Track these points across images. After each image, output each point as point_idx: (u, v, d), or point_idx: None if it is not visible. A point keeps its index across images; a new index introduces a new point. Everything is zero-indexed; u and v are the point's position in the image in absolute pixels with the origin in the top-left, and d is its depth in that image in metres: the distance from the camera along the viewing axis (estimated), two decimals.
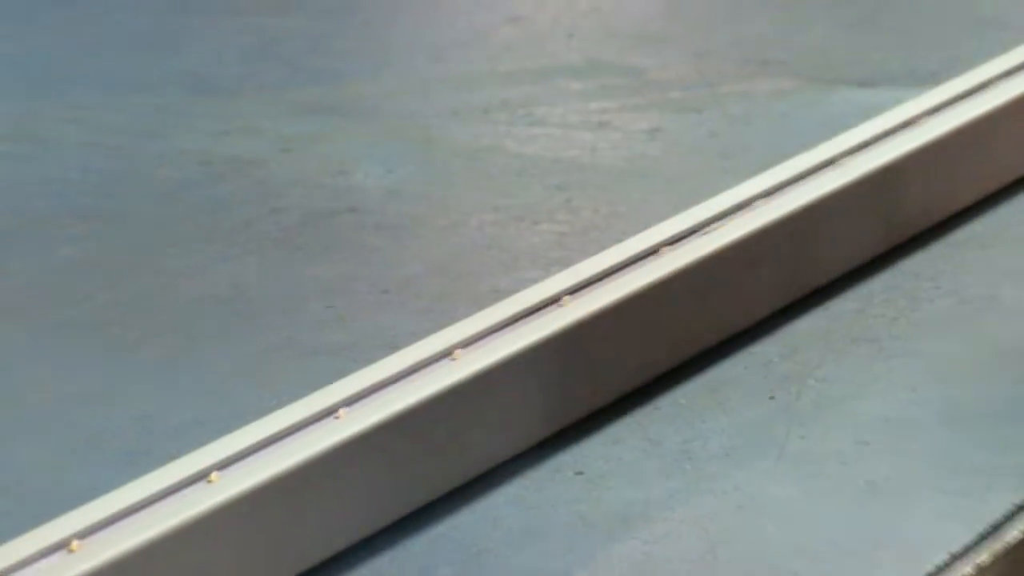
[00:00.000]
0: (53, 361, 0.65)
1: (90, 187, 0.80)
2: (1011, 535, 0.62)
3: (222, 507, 0.54)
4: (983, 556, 0.61)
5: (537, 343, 0.60)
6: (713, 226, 0.59)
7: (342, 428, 0.59)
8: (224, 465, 0.57)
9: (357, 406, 0.60)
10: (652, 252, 0.61)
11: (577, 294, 0.60)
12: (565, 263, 0.53)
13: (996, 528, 0.60)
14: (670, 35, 0.82)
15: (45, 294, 0.71)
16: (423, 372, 0.61)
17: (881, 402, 0.64)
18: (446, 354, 0.61)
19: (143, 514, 0.55)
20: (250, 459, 0.58)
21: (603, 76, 0.70)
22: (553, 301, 0.60)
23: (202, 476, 0.57)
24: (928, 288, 0.71)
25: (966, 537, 0.57)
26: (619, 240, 0.53)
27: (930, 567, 0.56)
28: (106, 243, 0.68)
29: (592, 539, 0.54)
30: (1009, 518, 0.62)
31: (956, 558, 0.57)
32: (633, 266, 0.62)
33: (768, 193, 0.65)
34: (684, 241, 0.61)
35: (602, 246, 0.54)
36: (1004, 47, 0.79)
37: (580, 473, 0.58)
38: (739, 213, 0.60)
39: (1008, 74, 0.79)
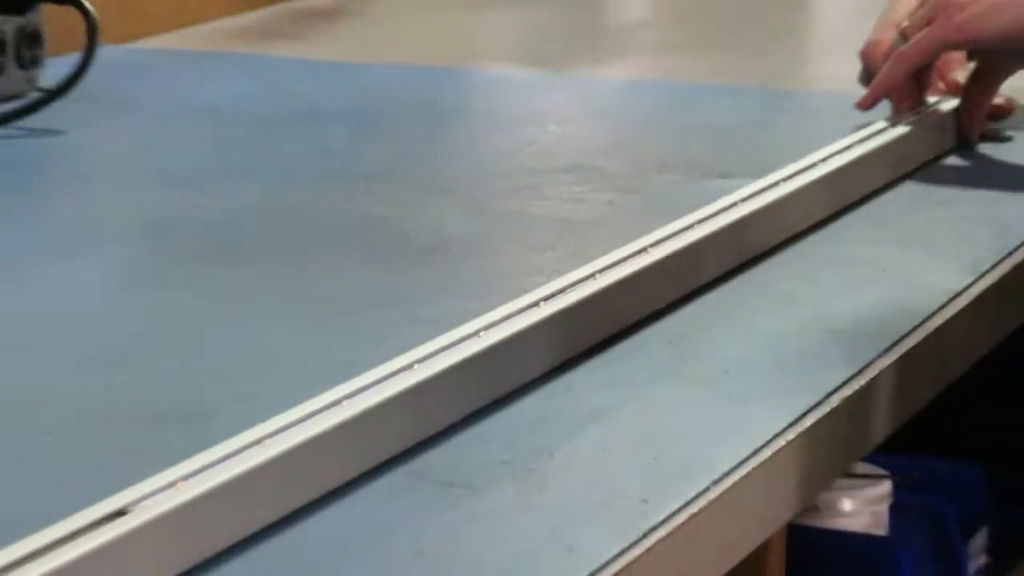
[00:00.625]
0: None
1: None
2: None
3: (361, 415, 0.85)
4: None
5: (530, 326, 0.96)
6: (635, 253, 0.98)
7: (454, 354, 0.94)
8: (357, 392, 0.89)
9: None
10: (590, 275, 0.99)
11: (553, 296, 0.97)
12: (560, 272, 0.88)
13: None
14: (619, 150, 1.26)
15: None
16: (467, 342, 0.96)
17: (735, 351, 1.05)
18: (474, 334, 0.98)
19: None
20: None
21: (581, 172, 1.12)
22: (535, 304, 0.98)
23: (336, 402, 0.89)
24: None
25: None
26: (587, 261, 0.90)
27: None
28: (290, 266, 1.03)
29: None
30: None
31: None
32: (583, 281, 1.01)
33: (663, 238, 1.04)
34: (618, 265, 0.99)
35: (577, 264, 0.92)
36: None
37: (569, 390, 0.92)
38: (641, 253, 0.99)
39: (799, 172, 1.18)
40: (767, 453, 0.60)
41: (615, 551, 0.49)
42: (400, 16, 1.65)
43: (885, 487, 1.07)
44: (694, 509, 0.53)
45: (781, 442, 0.61)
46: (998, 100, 1.23)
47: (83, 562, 0.41)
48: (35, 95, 1.16)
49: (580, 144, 1.29)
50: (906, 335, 0.76)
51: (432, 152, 1.20)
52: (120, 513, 0.43)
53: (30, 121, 1.12)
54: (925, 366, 0.80)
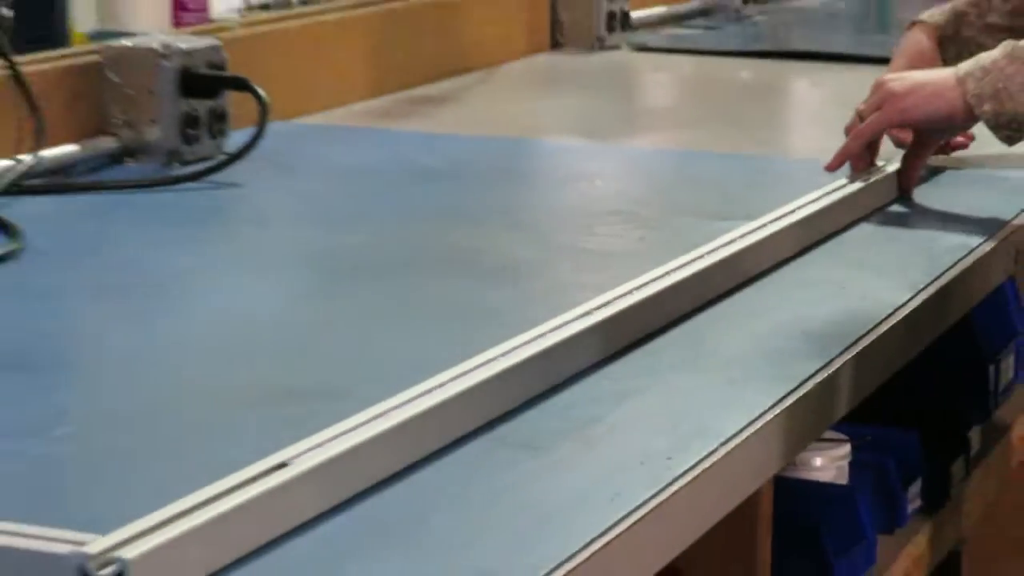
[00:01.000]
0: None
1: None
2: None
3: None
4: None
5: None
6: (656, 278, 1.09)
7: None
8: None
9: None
10: (627, 292, 1.01)
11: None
12: (604, 289, 1.04)
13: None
14: (647, 200, 1.43)
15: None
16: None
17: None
18: (540, 336, 1.04)
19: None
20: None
21: (620, 215, 1.29)
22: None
23: (439, 385, 0.96)
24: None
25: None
26: (625, 281, 1.06)
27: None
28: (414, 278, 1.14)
29: None
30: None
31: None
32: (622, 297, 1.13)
33: (681, 265, 1.14)
34: (648, 284, 1.09)
35: (617, 284, 1.07)
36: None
37: None
38: (665, 276, 1.07)
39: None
40: (759, 423, 0.72)
41: (648, 496, 0.58)
42: (487, 101, 1.80)
43: (845, 448, 1.16)
44: (706, 464, 0.64)
45: (769, 415, 0.74)
46: (960, 137, 1.35)
47: (254, 503, 0.51)
48: (221, 158, 1.29)
49: (619, 195, 1.44)
50: (861, 337, 0.89)
51: (508, 200, 1.33)
52: (282, 465, 0.53)
53: (218, 177, 1.25)
54: (875, 359, 0.92)
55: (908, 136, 1.29)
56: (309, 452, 0.58)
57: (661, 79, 2.06)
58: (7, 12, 1.24)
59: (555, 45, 1.96)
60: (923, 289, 1.01)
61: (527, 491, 0.61)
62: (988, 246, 1.16)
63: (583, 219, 1.30)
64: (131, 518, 0.49)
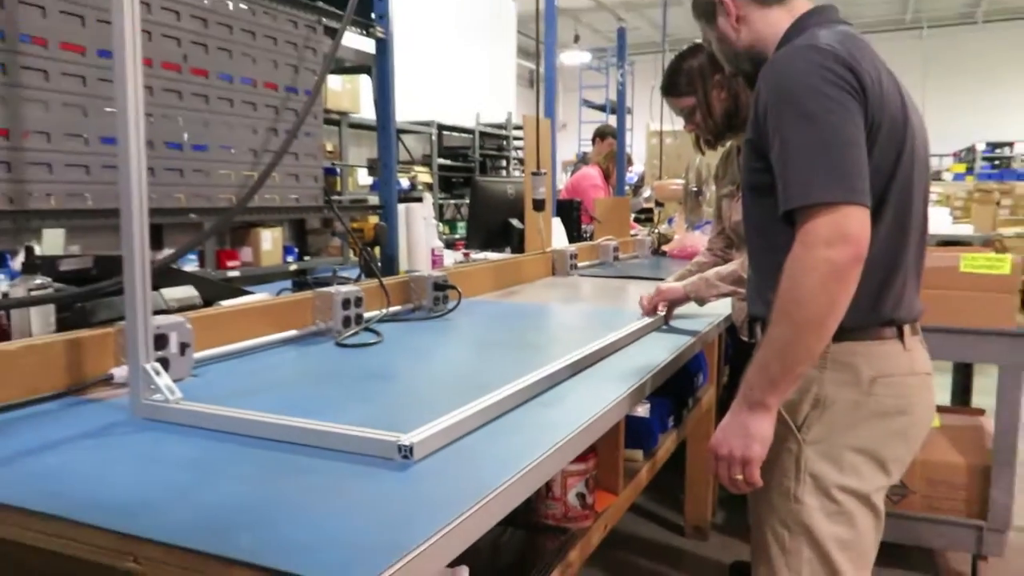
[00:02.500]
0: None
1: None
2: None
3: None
4: None
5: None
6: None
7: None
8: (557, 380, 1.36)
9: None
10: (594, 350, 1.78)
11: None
12: (566, 353, 1.42)
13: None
14: (584, 322, 1.91)
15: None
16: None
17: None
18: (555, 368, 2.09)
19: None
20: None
21: (574, 329, 1.87)
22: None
23: (524, 384, 1.27)
24: None
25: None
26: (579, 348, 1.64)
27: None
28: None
29: None
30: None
31: None
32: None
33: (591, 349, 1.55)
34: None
35: (576, 348, 1.47)
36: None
37: None
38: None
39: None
40: (623, 394, 1.37)
41: (586, 419, 1.26)
42: (531, 292, 2.66)
43: (648, 405, 2.04)
44: (608, 408, 1.27)
45: (629, 391, 1.39)
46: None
47: (458, 420, 1.09)
48: (446, 308, 2.13)
49: (578, 319, 2.24)
50: (652, 370, 1.53)
51: (540, 322, 2.18)
52: (454, 417, 1.13)
53: (445, 316, 2.10)
54: (657, 378, 1.55)
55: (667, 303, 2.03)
56: (476, 404, 1.15)
57: (587, 285, 3.02)
58: (371, 258, 2.27)
59: (553, 273, 3.13)
60: (673, 353, 1.71)
61: (548, 417, 1.21)
62: (693, 339, 1.91)
63: (566, 330, 2.16)
64: (414, 428, 1.01)
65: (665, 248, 4.17)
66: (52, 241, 2.63)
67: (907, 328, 1.33)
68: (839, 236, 1.12)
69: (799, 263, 1.14)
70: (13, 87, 1.50)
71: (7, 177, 1.50)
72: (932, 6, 14.82)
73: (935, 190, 9.32)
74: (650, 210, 5.23)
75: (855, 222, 1.13)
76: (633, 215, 4.99)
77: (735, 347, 2.78)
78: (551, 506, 1.66)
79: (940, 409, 2.75)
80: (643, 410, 2.11)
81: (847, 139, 1.16)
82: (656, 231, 4.46)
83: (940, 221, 5.04)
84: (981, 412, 2.97)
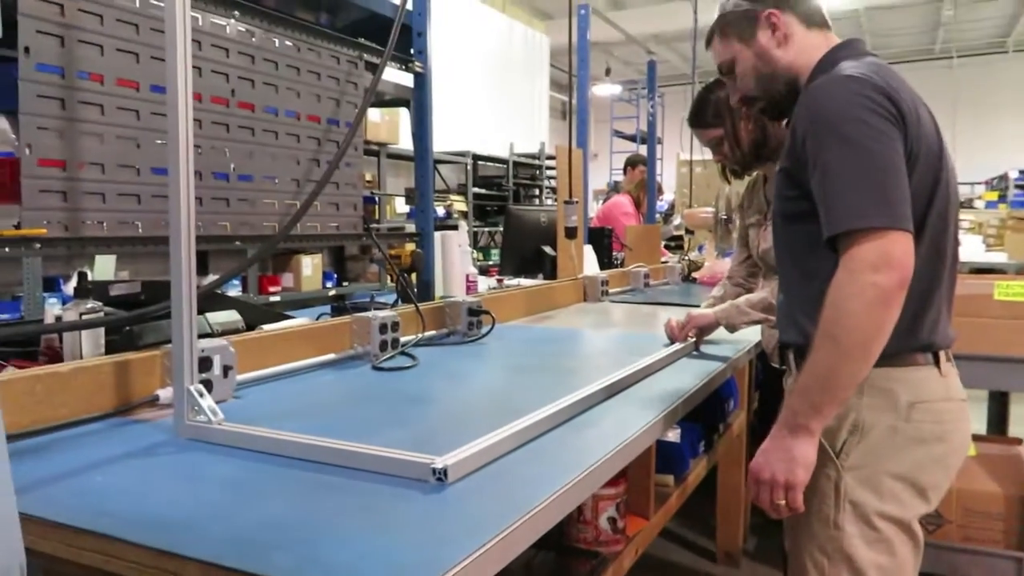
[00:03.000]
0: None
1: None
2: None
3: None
4: None
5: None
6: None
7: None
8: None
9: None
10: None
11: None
12: (596, 379, 1.40)
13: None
14: (616, 347, 1.83)
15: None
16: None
17: None
18: (586, 392, 1.75)
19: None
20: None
21: (605, 353, 1.77)
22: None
23: (557, 408, 1.28)
24: None
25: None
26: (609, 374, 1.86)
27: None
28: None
29: None
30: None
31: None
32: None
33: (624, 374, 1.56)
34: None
35: (605, 375, 1.42)
36: None
37: None
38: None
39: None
40: (655, 419, 1.34)
41: (618, 442, 1.24)
42: (564, 317, 2.66)
43: (679, 430, 2.02)
44: (643, 430, 1.27)
45: (660, 415, 1.37)
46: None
47: (491, 444, 1.10)
48: (480, 333, 2.19)
49: (608, 344, 2.23)
50: (683, 395, 1.50)
51: (572, 347, 2.18)
52: (488, 440, 1.15)
53: (480, 341, 2.09)
54: (688, 402, 1.53)
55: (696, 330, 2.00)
56: (509, 428, 1.14)
57: (619, 311, 3.02)
58: (408, 284, 2.25)
59: (584, 299, 3.11)
60: (704, 379, 1.69)
61: (580, 441, 1.21)
62: (724, 365, 1.87)
63: (597, 355, 2.15)
64: (448, 450, 1.01)
65: (695, 275, 4.14)
66: (103, 267, 2.70)
67: (942, 354, 1.31)
68: (885, 261, 1.11)
69: (845, 289, 1.13)
70: (71, 121, 1.55)
71: (63, 206, 1.54)
72: (961, 36, 14.67)
73: (967, 218, 9.15)
74: (680, 237, 5.21)
75: (900, 247, 1.12)
76: (663, 242, 4.97)
77: (765, 373, 2.74)
78: (582, 529, 1.65)
79: (976, 438, 2.73)
80: (674, 435, 2.09)
81: (890, 165, 1.16)
82: (686, 258, 4.43)
83: (973, 249, 4.94)
84: (1018, 441, 2.90)
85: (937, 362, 1.30)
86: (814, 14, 1.39)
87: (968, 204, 11.58)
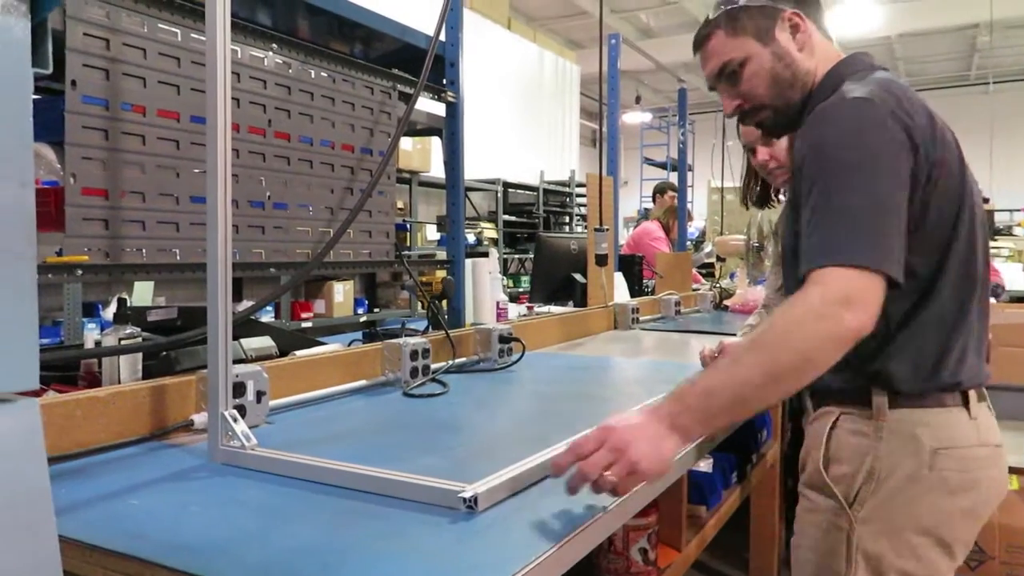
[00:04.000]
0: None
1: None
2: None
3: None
4: None
5: None
6: None
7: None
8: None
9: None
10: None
11: None
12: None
13: None
14: (649, 375, 1.90)
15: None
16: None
17: None
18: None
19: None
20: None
21: (636, 382, 1.62)
22: None
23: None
24: None
25: None
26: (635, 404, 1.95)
27: None
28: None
29: None
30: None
31: None
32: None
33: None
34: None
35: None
36: None
37: None
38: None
39: None
40: (686, 448, 1.11)
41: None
42: (593, 345, 2.66)
43: (711, 460, 2.00)
44: (673, 466, 1.18)
45: (692, 445, 1.21)
46: None
47: (517, 474, 1.08)
48: (510, 361, 2.17)
49: (638, 372, 2.23)
50: None
51: (602, 375, 2.17)
52: (518, 468, 1.13)
53: (510, 368, 2.10)
54: (726, 431, 1.84)
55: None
56: (539, 456, 1.13)
57: (649, 339, 3.00)
58: (438, 311, 2.34)
59: (615, 327, 3.10)
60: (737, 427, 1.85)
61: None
62: None
63: (628, 383, 2.12)
64: (479, 478, 1.01)
65: (727, 303, 4.11)
66: (142, 293, 2.75)
67: (973, 394, 1.21)
68: (860, 302, 1.02)
69: (810, 307, 1.02)
70: (114, 151, 1.59)
71: (104, 234, 1.58)
72: (997, 62, 14.51)
73: (1006, 245, 8.97)
74: (711, 265, 5.18)
75: (877, 293, 1.04)
76: (695, 269, 4.94)
77: (799, 403, 2.71)
78: (614, 560, 1.63)
79: (1019, 471, 2.67)
80: (706, 465, 2.07)
81: (891, 206, 1.08)
82: (718, 286, 4.41)
83: (1014, 277, 4.84)
84: None
85: (966, 403, 1.20)
86: (824, 25, 1.32)
87: (1008, 231, 11.37)
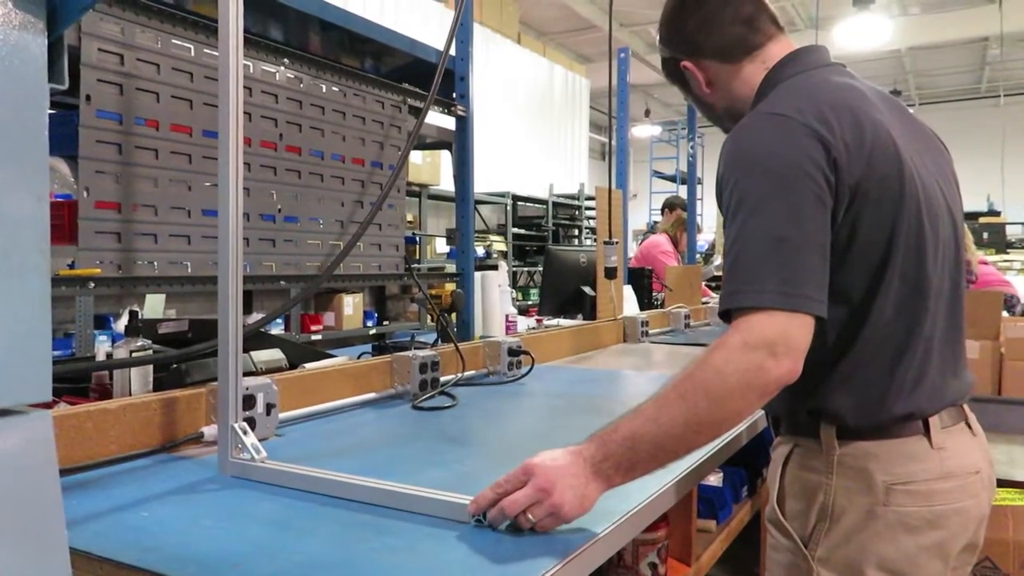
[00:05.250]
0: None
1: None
2: None
3: None
4: None
5: None
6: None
7: None
8: None
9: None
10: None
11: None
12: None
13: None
14: (655, 387, 2.41)
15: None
16: None
17: None
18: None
19: None
20: None
21: (644, 394, 1.74)
22: None
23: None
24: None
25: None
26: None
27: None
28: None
29: None
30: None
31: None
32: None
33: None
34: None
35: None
36: None
37: None
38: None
39: None
40: (696, 462, 1.26)
41: (670, 478, 1.68)
42: (602, 358, 2.65)
43: (720, 474, 2.01)
44: (684, 474, 1.17)
45: (702, 459, 1.29)
46: None
47: None
48: (519, 374, 2.13)
49: (647, 385, 2.29)
50: (728, 440, 1.87)
51: (610, 388, 2.15)
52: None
53: (520, 381, 2.10)
54: (736, 445, 1.87)
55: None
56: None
57: (659, 352, 3.00)
58: (448, 324, 2.34)
59: (624, 340, 3.10)
60: (747, 422, 1.59)
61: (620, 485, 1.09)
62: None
63: (638, 396, 2.11)
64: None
65: None
66: (153, 305, 2.77)
67: (935, 419, 1.10)
68: (784, 347, 0.96)
69: (730, 355, 0.97)
70: (127, 165, 1.62)
71: (117, 247, 1.60)
72: (1008, 74, 14.47)
73: (1018, 258, 8.89)
74: (721, 278, 5.15)
75: (803, 335, 0.98)
76: (704, 283, 4.93)
77: None
78: (623, 575, 1.62)
79: None
80: (716, 479, 2.06)
81: (806, 234, 1.01)
82: None
83: None
84: None
85: (927, 430, 1.09)
86: (732, 44, 1.23)
87: (1020, 244, 11.29)
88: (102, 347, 1.64)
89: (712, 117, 1.33)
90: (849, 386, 1.10)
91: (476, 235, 3.33)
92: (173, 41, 1.69)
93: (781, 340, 0.96)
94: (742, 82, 1.24)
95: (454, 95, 2.47)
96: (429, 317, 4.21)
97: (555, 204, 9.49)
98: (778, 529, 1.19)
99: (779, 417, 1.22)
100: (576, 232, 10.18)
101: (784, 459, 1.19)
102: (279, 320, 4.99)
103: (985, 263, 4.99)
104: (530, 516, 0.94)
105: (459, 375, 2.03)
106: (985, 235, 9.23)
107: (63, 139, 1.53)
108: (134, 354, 1.50)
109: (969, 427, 1.17)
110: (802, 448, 1.16)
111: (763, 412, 1.34)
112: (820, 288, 1.01)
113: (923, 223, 1.11)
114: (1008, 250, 9.60)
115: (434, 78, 1.84)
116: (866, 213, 1.06)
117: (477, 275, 2.57)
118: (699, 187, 6.34)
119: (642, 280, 4.17)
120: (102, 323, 4.02)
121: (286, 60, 1.97)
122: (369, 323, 5.91)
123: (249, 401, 1.38)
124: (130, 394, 1.48)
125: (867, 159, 1.06)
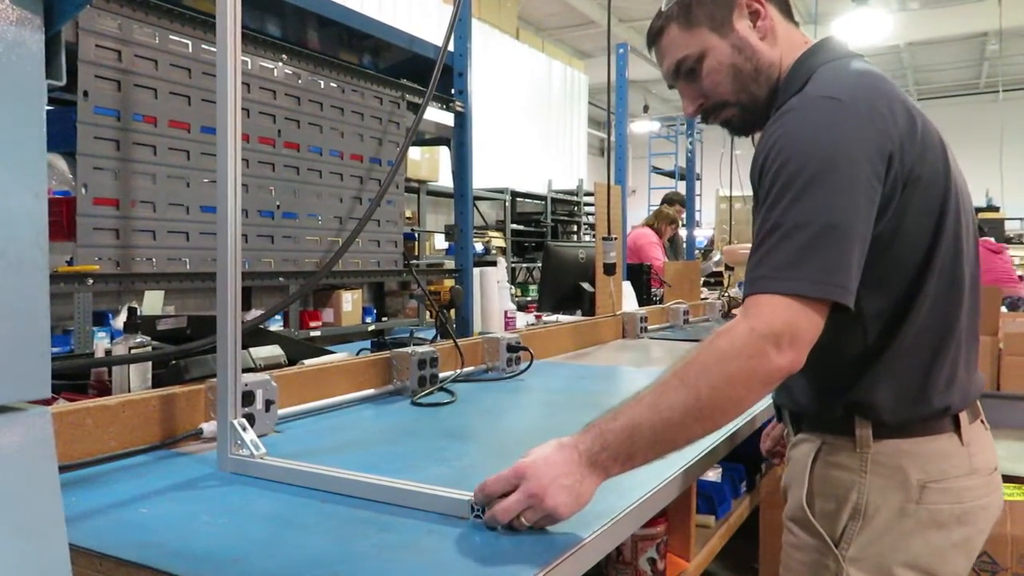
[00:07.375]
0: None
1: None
2: None
3: None
4: None
5: None
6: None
7: None
8: None
9: None
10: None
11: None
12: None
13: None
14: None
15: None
16: None
17: None
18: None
19: None
20: None
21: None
22: None
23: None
24: None
25: None
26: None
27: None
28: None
29: None
30: None
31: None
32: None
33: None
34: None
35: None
36: None
37: None
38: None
39: None
40: (695, 458, 1.29)
41: (669, 474, 1.69)
42: (601, 354, 2.65)
43: (719, 470, 2.00)
44: (683, 470, 1.15)
45: (701, 454, 1.31)
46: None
47: None
48: (518, 370, 2.13)
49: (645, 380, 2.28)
50: (727, 435, 1.87)
51: (608, 384, 2.15)
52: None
53: (519, 377, 2.10)
54: (736, 440, 1.87)
55: None
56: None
57: (658, 348, 3.01)
58: (446, 320, 2.32)
59: (623, 336, 3.10)
60: (747, 417, 1.65)
61: (619, 480, 0.99)
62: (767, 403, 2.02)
63: (633, 391, 2.16)
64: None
65: (736, 311, 4.12)
66: (152, 301, 2.76)
67: (964, 415, 1.11)
68: (790, 338, 0.94)
69: (735, 342, 0.95)
70: (126, 161, 1.61)
71: (115, 243, 1.59)
72: (1007, 70, 14.48)
73: (1017, 254, 8.91)
74: (720, 274, 5.18)
75: (812, 327, 0.96)
76: (703, 279, 4.94)
77: None
78: (622, 570, 1.62)
79: None
80: (715, 474, 2.05)
81: (848, 223, 0.97)
82: (726, 295, 4.40)
83: None
84: None
85: (958, 427, 1.10)
86: (788, 6, 1.18)
87: (1018, 240, 11.30)
88: (101, 344, 1.63)
89: (747, 73, 1.17)
90: (888, 383, 1.09)
91: (475, 231, 3.33)
92: (171, 37, 1.69)
93: (787, 331, 0.94)
94: (791, 46, 1.16)
95: (453, 91, 2.47)
96: (428, 313, 4.21)
97: (554, 200, 9.48)
98: (804, 528, 1.16)
99: (802, 413, 1.20)
100: (575, 228, 10.18)
101: (812, 457, 1.17)
102: (278, 316, 5.00)
103: (999, 252, 4.96)
104: (523, 520, 0.93)
105: (458, 371, 2.03)
106: (984, 230, 9.25)
107: (61, 135, 1.52)
108: (133, 351, 1.50)
109: (983, 423, 1.17)
110: (829, 445, 1.14)
111: (772, 406, 1.33)
112: (854, 280, 0.99)
113: (960, 214, 1.10)
114: (1007, 245, 9.61)
115: (433, 74, 1.84)
116: (915, 202, 1.04)
117: (476, 271, 2.57)
118: (698, 183, 6.34)
119: (641, 276, 4.17)
120: (101, 320, 4.02)
121: (284, 56, 1.97)
122: (368, 319, 5.90)
123: (248, 397, 1.38)
124: (129, 390, 1.48)
125: (920, 148, 1.04)
